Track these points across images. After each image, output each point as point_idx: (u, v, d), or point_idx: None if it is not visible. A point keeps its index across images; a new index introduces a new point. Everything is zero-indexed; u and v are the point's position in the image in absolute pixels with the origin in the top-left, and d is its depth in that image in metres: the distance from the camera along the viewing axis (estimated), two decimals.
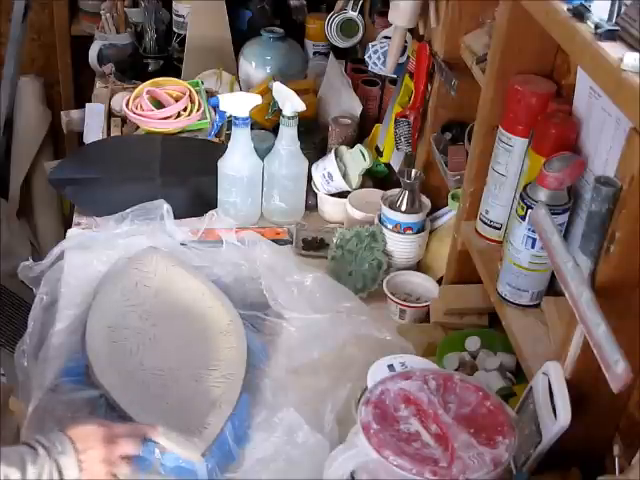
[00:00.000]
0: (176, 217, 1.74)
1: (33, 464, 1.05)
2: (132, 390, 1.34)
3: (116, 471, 1.14)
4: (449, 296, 1.56)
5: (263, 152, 1.84)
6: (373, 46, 1.90)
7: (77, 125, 2.25)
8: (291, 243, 1.81)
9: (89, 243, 1.70)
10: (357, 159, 1.86)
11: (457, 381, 1.10)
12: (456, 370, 1.36)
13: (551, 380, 1.09)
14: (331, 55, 2.22)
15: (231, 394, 1.33)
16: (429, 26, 1.68)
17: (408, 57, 1.79)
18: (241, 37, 2.32)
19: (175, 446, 1.19)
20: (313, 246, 1.79)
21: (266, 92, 1.97)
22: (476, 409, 1.06)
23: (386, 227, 1.68)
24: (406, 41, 1.78)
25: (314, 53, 2.37)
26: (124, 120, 2.09)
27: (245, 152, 1.80)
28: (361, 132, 2.00)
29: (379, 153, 1.89)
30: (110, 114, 2.14)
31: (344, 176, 1.85)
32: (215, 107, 1.96)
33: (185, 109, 2.03)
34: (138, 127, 2.03)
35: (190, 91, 2.07)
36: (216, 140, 2.00)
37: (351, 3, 2.06)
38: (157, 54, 2.44)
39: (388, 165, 1.92)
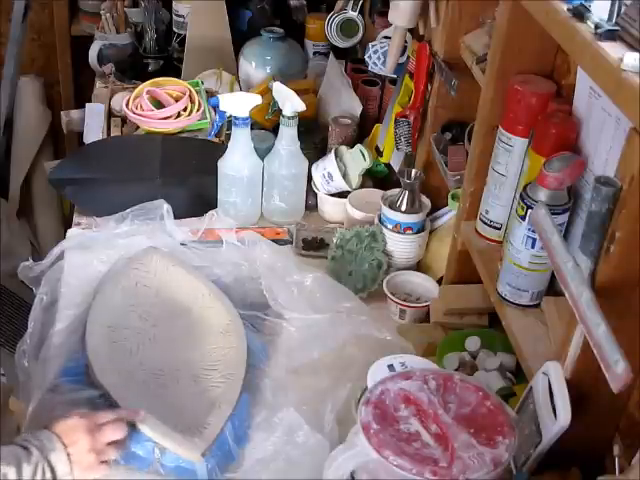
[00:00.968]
0: (176, 217, 1.74)
1: (28, 463, 1.08)
2: (132, 390, 1.34)
3: (105, 457, 1.18)
4: (449, 296, 1.56)
5: (263, 152, 1.84)
6: (373, 46, 1.90)
7: (77, 125, 2.25)
8: (291, 243, 1.81)
9: (89, 243, 1.70)
10: (357, 159, 1.86)
11: (457, 381, 1.10)
12: (456, 370, 1.36)
13: (551, 380, 1.09)
14: (331, 55, 2.22)
15: (231, 394, 1.33)
16: (429, 26, 1.68)
17: (408, 57, 1.79)
18: (241, 37, 2.32)
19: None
20: (313, 246, 1.79)
21: (266, 92, 1.97)
22: (476, 409, 1.06)
23: (386, 227, 1.68)
24: (406, 41, 1.78)
25: (314, 53, 2.37)
26: (124, 120, 2.09)
27: (245, 152, 1.80)
28: (361, 132, 2.00)
29: (379, 153, 1.89)
30: (110, 114, 2.13)
31: (344, 176, 1.85)
32: (215, 107, 1.95)
33: (185, 109, 2.03)
34: (138, 127, 2.03)
35: (190, 91, 2.06)
36: (216, 140, 2.00)
37: (351, 3, 2.06)
38: (157, 54, 2.44)
39: (388, 165, 1.92)
